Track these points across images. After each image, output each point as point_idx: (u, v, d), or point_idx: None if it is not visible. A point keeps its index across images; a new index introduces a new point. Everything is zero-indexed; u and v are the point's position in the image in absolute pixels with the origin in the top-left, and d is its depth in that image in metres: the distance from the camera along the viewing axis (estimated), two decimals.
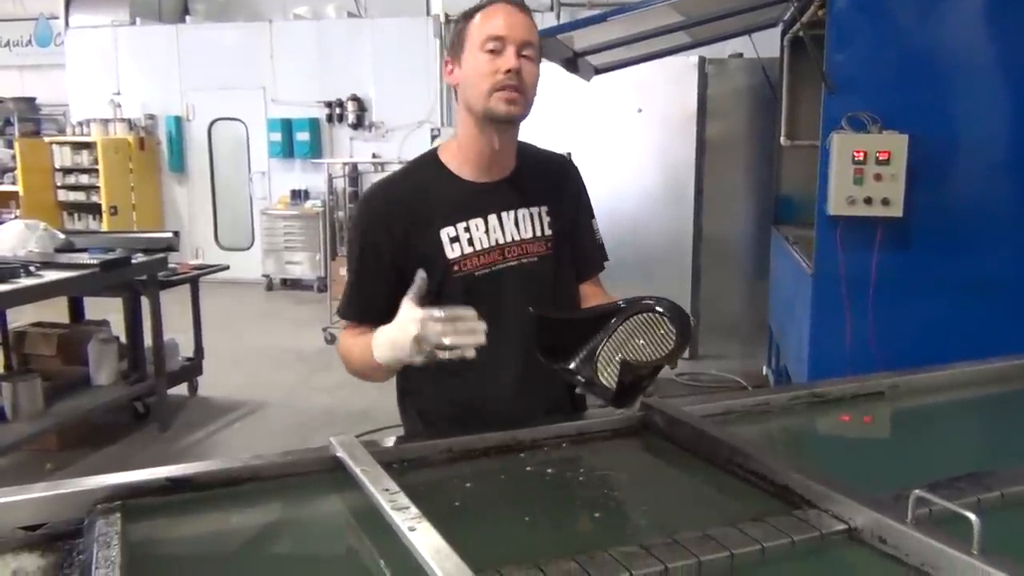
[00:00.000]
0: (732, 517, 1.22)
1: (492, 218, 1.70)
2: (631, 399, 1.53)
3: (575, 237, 1.82)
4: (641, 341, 1.53)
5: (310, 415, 5.31)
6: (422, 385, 1.78)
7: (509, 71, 1.59)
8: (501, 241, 1.71)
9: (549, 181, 1.80)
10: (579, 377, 1.50)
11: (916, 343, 3.36)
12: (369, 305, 1.68)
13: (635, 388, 1.51)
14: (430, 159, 1.77)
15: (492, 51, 1.60)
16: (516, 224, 1.73)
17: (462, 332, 1.42)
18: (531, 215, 1.74)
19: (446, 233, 1.68)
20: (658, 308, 1.55)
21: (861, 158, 3.31)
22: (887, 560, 1.14)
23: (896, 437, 1.95)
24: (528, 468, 1.52)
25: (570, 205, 1.83)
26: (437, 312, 1.44)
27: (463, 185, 1.72)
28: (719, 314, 6.69)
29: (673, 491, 1.52)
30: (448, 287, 1.66)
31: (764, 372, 5.81)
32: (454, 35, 1.67)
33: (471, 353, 1.42)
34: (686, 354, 6.36)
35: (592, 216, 1.89)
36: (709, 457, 1.49)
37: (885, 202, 3.32)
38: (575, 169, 1.91)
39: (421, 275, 1.53)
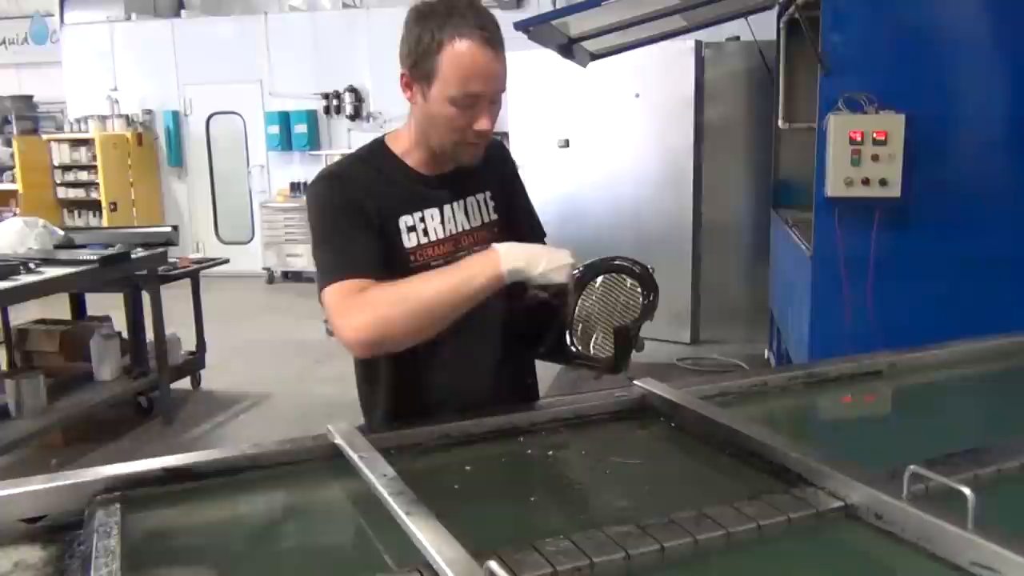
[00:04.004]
0: (729, 496, 1.22)
1: (447, 208, 1.68)
2: (625, 363, 1.55)
3: (514, 216, 1.80)
4: (606, 305, 1.54)
5: (314, 406, 5.32)
6: (382, 386, 1.72)
7: (480, 132, 1.56)
8: (454, 231, 1.68)
9: (488, 166, 1.74)
10: (565, 356, 1.50)
11: (915, 323, 3.36)
12: (368, 257, 1.56)
13: (626, 351, 1.54)
14: (380, 148, 1.70)
15: (465, 105, 1.53)
16: (466, 213, 1.71)
17: None
18: (477, 202, 1.73)
19: (404, 221, 1.64)
20: (617, 263, 1.56)
21: (858, 139, 3.30)
22: (883, 536, 1.15)
23: (894, 416, 1.96)
24: (528, 451, 1.53)
25: (509, 186, 1.82)
26: None
27: (416, 176, 1.68)
28: (720, 298, 6.69)
29: (671, 472, 1.53)
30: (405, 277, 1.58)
31: (766, 355, 5.81)
32: (417, 54, 1.53)
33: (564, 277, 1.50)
34: (693, 335, 6.35)
35: (526, 193, 1.88)
36: (706, 438, 1.50)
37: (883, 183, 3.32)
38: (506, 149, 1.90)
39: None
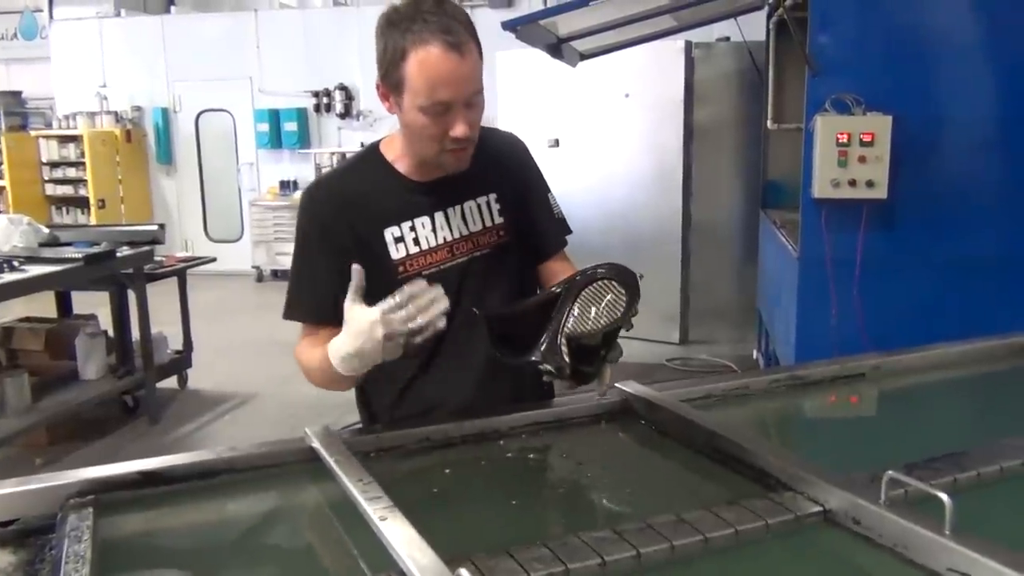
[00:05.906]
0: (708, 501, 1.21)
1: (439, 216, 1.63)
2: (592, 373, 1.49)
3: (529, 216, 1.74)
4: (595, 311, 1.48)
5: (301, 406, 5.26)
6: (383, 387, 1.71)
7: (458, 139, 1.50)
8: (449, 238, 1.64)
9: (495, 166, 1.69)
10: (544, 366, 1.48)
11: (902, 324, 3.37)
12: (323, 301, 1.58)
13: (594, 360, 1.48)
14: (373, 155, 1.68)
15: (437, 113, 1.48)
16: (463, 218, 1.66)
17: (425, 308, 1.38)
18: (478, 206, 1.67)
19: (390, 233, 1.62)
20: (599, 271, 1.50)
21: (845, 140, 3.31)
22: (860, 541, 1.14)
23: (878, 419, 1.95)
24: (508, 455, 1.52)
25: (519, 185, 1.74)
26: (392, 301, 1.39)
27: (408, 183, 1.64)
28: (709, 298, 6.70)
29: (651, 476, 1.51)
30: (395, 289, 1.49)
31: (755, 356, 5.82)
32: (385, 64, 1.49)
33: (443, 323, 1.39)
34: (682, 333, 6.34)
35: (547, 191, 1.80)
36: (687, 441, 1.49)
37: (869, 184, 3.32)
38: (522, 145, 1.80)
39: (357, 268, 1.44)
